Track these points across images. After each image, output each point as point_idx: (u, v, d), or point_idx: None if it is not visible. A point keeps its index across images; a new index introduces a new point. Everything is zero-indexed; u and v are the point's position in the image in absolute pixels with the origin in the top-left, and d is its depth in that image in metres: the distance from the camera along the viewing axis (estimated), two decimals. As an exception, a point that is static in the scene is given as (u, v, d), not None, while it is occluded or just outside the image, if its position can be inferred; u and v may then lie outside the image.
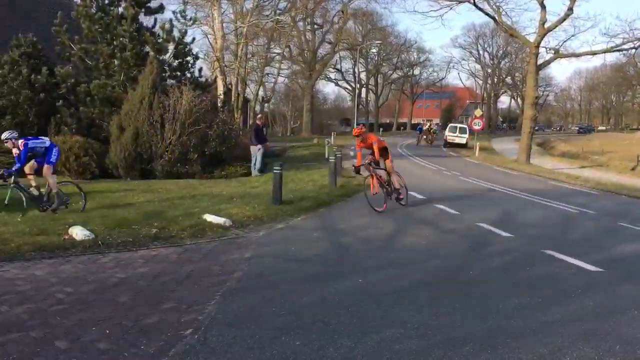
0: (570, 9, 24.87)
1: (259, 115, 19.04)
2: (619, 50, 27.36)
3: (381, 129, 68.42)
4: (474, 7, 27.34)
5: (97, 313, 4.63)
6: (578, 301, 5.28)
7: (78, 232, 7.23)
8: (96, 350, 3.89)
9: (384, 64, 74.10)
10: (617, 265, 6.96)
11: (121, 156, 15.90)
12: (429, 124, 47.67)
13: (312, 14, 51.44)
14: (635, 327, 4.60)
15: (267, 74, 46.11)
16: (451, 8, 28.75)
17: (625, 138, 61.37)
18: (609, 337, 4.35)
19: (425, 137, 43.23)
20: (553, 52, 27.87)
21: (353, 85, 68.58)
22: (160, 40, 18.73)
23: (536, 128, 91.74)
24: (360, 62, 65.07)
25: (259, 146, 17.17)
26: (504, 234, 8.73)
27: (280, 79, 55.18)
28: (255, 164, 17.28)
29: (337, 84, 72.21)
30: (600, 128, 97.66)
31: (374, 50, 70.28)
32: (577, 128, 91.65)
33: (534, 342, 4.20)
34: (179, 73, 19.71)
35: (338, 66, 67.86)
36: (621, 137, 65.16)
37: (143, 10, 19.13)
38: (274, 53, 44.83)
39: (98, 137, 17.14)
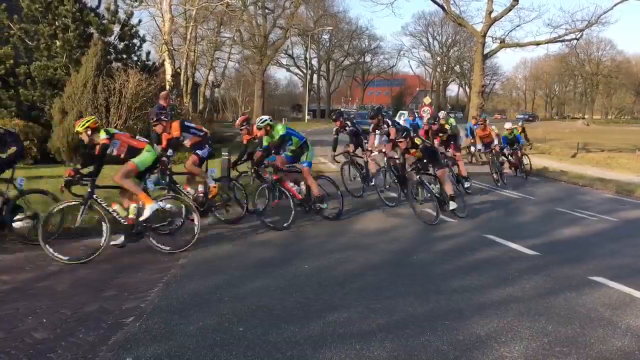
0: (516, 0, 25.38)
1: (164, 93, 11.23)
2: (561, 41, 28.15)
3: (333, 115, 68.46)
4: (423, -5, 27.59)
5: (34, 302, 4.51)
6: (515, 283, 5.47)
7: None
8: (32, 339, 3.79)
9: (335, 50, 74.20)
10: (553, 249, 7.23)
11: (64, 141, 15.37)
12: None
13: (263, -1, 50.83)
14: (567, 307, 4.81)
15: (217, 58, 45.19)
16: (401, -5, 28.86)
17: (566, 126, 63.64)
18: (542, 317, 4.54)
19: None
20: (499, 41, 28.45)
21: (305, 71, 68.46)
22: (104, 22, 18.15)
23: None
24: (312, 48, 64.94)
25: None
26: (448, 219, 8.93)
27: (231, 64, 54.32)
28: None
29: (288, 70, 71.86)
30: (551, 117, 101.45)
31: (326, 37, 70.28)
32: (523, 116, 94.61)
33: (472, 323, 4.34)
34: (125, 56, 19.12)
35: (290, 52, 67.46)
36: (563, 125, 67.50)
37: (86, -11, 18.45)
38: (224, 37, 44.01)
39: (39, 121, 16.51)
